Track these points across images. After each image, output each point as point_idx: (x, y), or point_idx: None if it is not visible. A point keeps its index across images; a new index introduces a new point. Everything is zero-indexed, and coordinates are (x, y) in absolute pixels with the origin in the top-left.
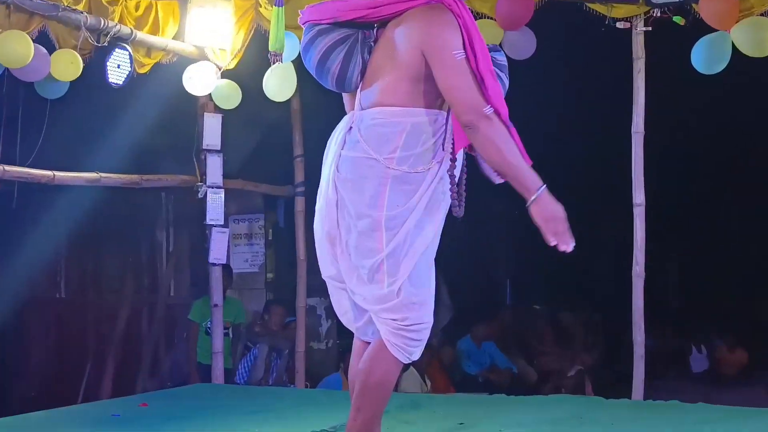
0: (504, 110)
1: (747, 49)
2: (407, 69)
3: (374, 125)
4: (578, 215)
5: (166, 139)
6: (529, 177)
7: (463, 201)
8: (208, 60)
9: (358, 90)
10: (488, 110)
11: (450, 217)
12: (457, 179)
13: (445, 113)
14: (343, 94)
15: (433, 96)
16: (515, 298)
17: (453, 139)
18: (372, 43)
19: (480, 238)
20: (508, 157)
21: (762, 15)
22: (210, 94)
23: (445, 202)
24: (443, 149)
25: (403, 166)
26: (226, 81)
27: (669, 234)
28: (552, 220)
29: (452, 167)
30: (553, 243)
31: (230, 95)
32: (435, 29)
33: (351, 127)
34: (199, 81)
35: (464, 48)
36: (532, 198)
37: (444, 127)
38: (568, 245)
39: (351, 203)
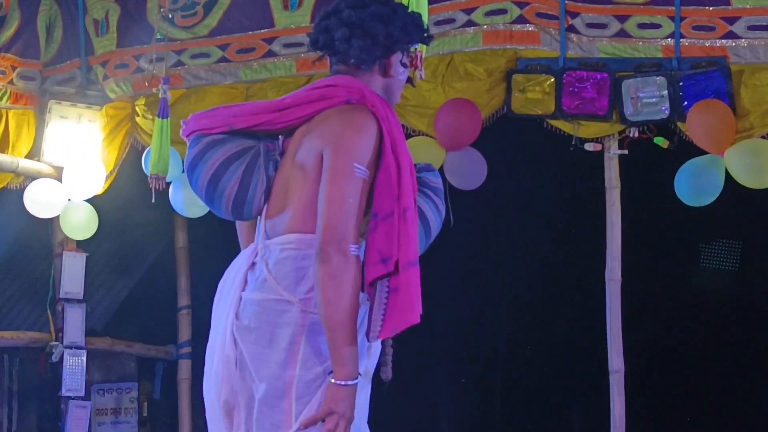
0: (406, 257)
1: (743, 178)
2: (318, 185)
3: (286, 258)
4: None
5: (12, 286)
6: (351, 358)
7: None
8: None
9: (262, 216)
10: (353, 250)
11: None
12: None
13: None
14: (239, 223)
15: None
16: None
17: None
18: (278, 157)
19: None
20: (340, 316)
21: (763, 137)
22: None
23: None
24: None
25: None
26: (81, 203)
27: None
28: (338, 414)
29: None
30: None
31: (84, 223)
32: (347, 131)
33: (254, 263)
34: (46, 202)
35: (370, 168)
36: (340, 382)
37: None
38: None
39: (253, 360)
